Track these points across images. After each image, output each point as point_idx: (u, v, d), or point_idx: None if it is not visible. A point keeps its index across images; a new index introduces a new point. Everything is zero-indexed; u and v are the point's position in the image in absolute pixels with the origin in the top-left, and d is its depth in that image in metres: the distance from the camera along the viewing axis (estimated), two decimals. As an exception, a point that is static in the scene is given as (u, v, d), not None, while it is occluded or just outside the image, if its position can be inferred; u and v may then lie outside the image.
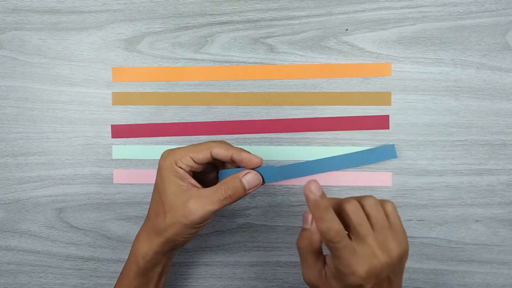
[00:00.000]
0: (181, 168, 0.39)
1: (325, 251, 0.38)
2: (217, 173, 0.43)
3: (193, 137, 0.51)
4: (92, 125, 0.52)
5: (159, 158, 0.41)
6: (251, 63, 0.51)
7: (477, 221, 0.51)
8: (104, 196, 0.52)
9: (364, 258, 0.34)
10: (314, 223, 0.36)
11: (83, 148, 0.52)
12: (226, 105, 0.51)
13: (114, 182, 0.52)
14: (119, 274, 0.52)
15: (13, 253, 0.52)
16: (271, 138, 0.51)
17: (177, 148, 0.40)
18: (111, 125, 0.52)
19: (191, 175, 0.40)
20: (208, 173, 0.43)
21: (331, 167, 0.50)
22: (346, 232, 0.35)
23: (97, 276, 0.52)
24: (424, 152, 0.51)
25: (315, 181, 0.34)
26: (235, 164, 0.40)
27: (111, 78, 0.52)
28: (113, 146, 0.51)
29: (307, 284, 0.37)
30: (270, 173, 0.40)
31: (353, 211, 0.35)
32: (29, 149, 0.52)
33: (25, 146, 0.52)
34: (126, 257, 0.52)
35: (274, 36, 0.51)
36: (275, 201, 0.51)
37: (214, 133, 0.51)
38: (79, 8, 0.52)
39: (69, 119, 0.52)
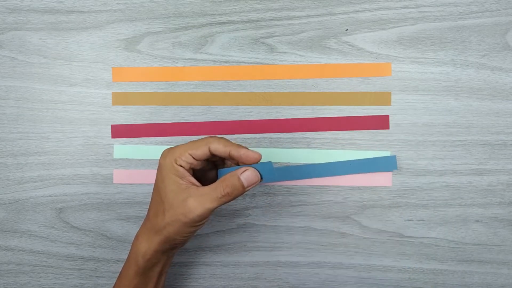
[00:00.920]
0: (181, 166, 0.39)
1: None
2: (217, 172, 0.43)
3: (193, 137, 0.51)
4: (92, 125, 0.52)
5: (159, 158, 0.41)
6: (251, 63, 0.51)
7: (477, 221, 0.51)
8: (104, 196, 0.52)
9: None
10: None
11: (83, 148, 0.52)
12: (226, 105, 0.51)
13: (114, 182, 0.52)
14: (118, 274, 0.52)
15: (13, 253, 0.52)
16: (271, 138, 0.51)
17: (176, 146, 0.40)
18: (111, 125, 0.52)
19: (191, 173, 0.40)
20: (208, 171, 0.43)
21: (330, 172, 0.50)
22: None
23: (97, 276, 0.52)
24: (424, 152, 0.51)
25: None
26: (234, 161, 0.40)
27: (111, 78, 0.52)
28: (114, 146, 0.51)
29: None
30: (268, 169, 0.40)
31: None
32: (29, 149, 0.52)
33: (25, 146, 0.52)
34: (126, 257, 0.52)
35: (274, 36, 0.51)
36: (275, 201, 0.51)
37: (214, 133, 0.51)
38: (79, 8, 0.52)
39: (69, 119, 0.52)
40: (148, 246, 0.40)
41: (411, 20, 0.51)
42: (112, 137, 0.52)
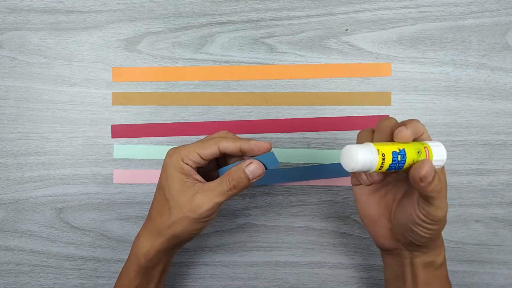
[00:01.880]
0: (187, 164, 0.39)
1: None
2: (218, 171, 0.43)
3: (193, 137, 0.51)
4: (92, 125, 0.52)
5: (159, 158, 0.41)
6: (251, 63, 0.51)
7: (477, 221, 0.51)
8: (104, 196, 0.52)
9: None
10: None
11: (83, 148, 0.52)
12: (226, 105, 0.51)
13: (114, 182, 0.52)
14: (118, 274, 0.52)
15: (13, 253, 0.52)
16: (271, 138, 0.51)
17: (183, 145, 0.40)
18: (111, 125, 0.52)
19: (196, 171, 0.40)
20: (211, 171, 0.43)
21: (322, 175, 0.51)
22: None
23: (97, 276, 0.52)
24: (424, 152, 0.51)
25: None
26: (244, 155, 0.40)
27: (111, 78, 0.52)
28: (114, 146, 0.51)
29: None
30: (271, 160, 0.40)
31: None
32: (29, 149, 0.52)
33: (25, 146, 0.52)
34: (126, 257, 0.52)
35: (274, 36, 0.51)
36: (275, 201, 0.51)
37: (214, 133, 0.51)
38: (79, 8, 0.52)
39: (69, 119, 0.52)
40: (151, 245, 0.40)
41: (411, 20, 0.51)
42: (112, 137, 0.52)
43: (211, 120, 0.51)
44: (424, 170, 0.32)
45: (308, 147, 0.51)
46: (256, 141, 0.39)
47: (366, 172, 0.36)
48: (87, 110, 0.52)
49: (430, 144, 0.35)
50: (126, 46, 0.51)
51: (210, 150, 0.39)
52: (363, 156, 0.32)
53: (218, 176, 0.44)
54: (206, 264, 0.52)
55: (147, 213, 0.51)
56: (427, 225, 0.36)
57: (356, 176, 0.39)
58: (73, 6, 0.52)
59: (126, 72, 0.51)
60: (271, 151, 0.40)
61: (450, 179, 0.51)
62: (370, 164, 0.33)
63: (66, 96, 0.52)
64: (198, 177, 0.40)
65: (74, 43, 0.52)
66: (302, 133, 0.51)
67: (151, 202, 0.42)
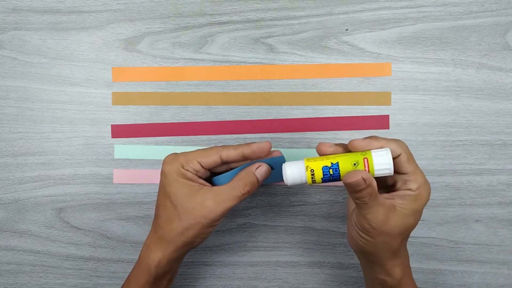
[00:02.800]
0: (187, 171, 0.39)
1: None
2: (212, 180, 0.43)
3: (193, 137, 0.51)
4: (92, 125, 0.52)
5: (159, 158, 0.41)
6: (251, 63, 0.51)
7: (477, 221, 0.51)
8: (104, 196, 0.52)
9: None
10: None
11: (83, 148, 0.52)
12: (226, 105, 0.51)
13: (114, 182, 0.52)
14: (118, 273, 0.52)
15: (13, 253, 0.52)
16: (271, 138, 0.51)
17: (182, 153, 0.40)
18: (111, 125, 0.52)
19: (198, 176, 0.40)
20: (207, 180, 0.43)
21: None
22: None
23: (97, 276, 0.52)
24: (424, 152, 0.51)
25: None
26: (247, 160, 0.41)
27: (111, 78, 0.52)
28: (115, 146, 0.51)
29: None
30: (278, 161, 0.41)
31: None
32: (29, 149, 0.52)
33: (25, 146, 0.52)
34: (126, 257, 0.52)
35: (274, 36, 0.51)
36: (275, 201, 0.51)
37: (214, 133, 0.51)
38: (79, 8, 0.52)
39: (69, 119, 0.52)
40: (162, 255, 0.40)
41: (411, 20, 0.51)
42: (112, 137, 0.52)
43: (211, 120, 0.51)
44: (350, 179, 0.35)
45: (308, 147, 0.51)
46: (256, 144, 0.40)
47: (303, 184, 0.39)
48: (87, 110, 0.52)
49: (373, 153, 0.36)
50: (126, 46, 0.51)
51: (212, 158, 0.39)
52: (291, 172, 0.38)
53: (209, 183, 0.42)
54: (206, 264, 0.52)
55: (147, 213, 0.52)
56: (360, 232, 0.38)
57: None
58: (73, 6, 0.52)
59: (126, 72, 0.51)
60: (282, 155, 0.41)
61: (450, 179, 0.51)
62: (300, 178, 0.38)
63: (66, 96, 0.52)
64: (202, 180, 0.40)
65: (74, 43, 0.52)
66: (302, 133, 0.51)
67: (154, 211, 0.41)
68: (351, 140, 0.37)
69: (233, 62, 0.51)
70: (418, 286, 0.51)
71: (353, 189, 0.36)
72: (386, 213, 0.37)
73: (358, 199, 0.36)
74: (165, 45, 0.51)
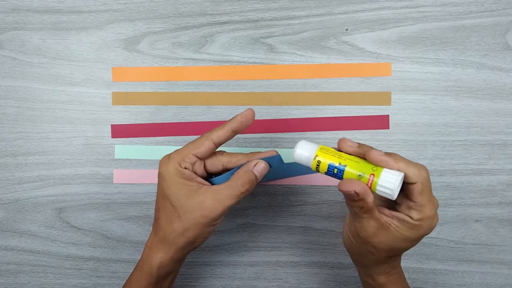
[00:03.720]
0: (186, 168, 0.39)
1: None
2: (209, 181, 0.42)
3: (193, 137, 0.51)
4: (92, 125, 0.52)
5: (160, 158, 0.41)
6: (251, 63, 0.51)
7: (477, 221, 0.51)
8: (104, 196, 0.52)
9: (434, 203, 0.37)
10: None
11: (83, 148, 0.52)
12: (226, 105, 0.51)
13: (114, 182, 0.52)
14: (118, 273, 0.52)
15: (13, 253, 0.52)
16: (271, 138, 0.51)
17: (174, 151, 0.40)
18: (111, 125, 0.52)
19: (196, 175, 0.40)
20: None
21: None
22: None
23: (97, 276, 0.52)
24: (424, 152, 0.51)
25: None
26: (237, 133, 0.40)
27: (111, 78, 0.52)
28: (116, 146, 0.51)
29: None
30: (276, 160, 0.41)
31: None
32: (29, 149, 0.52)
33: (25, 146, 0.52)
34: (126, 257, 0.52)
35: (274, 36, 0.51)
36: (275, 201, 0.51)
37: (214, 133, 0.51)
38: (79, 8, 0.52)
39: (69, 119, 0.52)
40: (165, 256, 0.40)
41: (411, 20, 0.51)
42: (112, 137, 0.52)
43: (211, 120, 0.51)
44: (343, 187, 0.35)
45: (308, 147, 0.51)
46: (240, 114, 0.40)
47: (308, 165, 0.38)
48: (87, 110, 0.52)
49: (384, 172, 0.34)
50: (126, 46, 0.51)
51: (204, 146, 0.39)
52: (300, 153, 0.37)
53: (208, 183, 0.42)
54: (206, 264, 0.52)
55: (147, 213, 0.52)
56: (348, 233, 0.39)
57: None
58: (73, 6, 0.52)
59: (126, 72, 0.51)
60: (278, 154, 0.41)
61: (450, 179, 0.51)
62: (306, 161, 0.38)
63: (66, 96, 0.52)
64: (200, 179, 0.40)
65: (74, 43, 0.52)
66: (302, 133, 0.51)
67: (154, 214, 0.41)
68: (371, 149, 0.35)
69: (233, 62, 0.51)
70: (418, 286, 0.51)
71: (345, 197, 0.36)
72: (378, 227, 0.36)
73: (350, 207, 0.36)
74: (165, 45, 0.51)
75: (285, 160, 0.51)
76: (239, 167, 0.40)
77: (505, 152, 0.51)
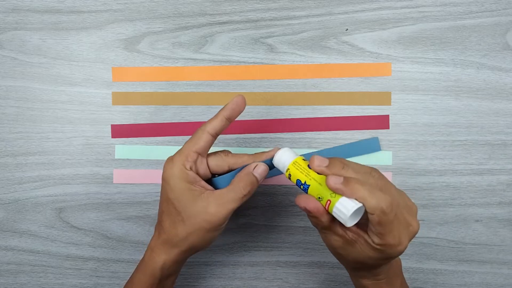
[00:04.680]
0: (190, 169, 0.39)
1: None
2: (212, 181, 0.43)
3: (193, 137, 0.51)
4: (92, 125, 0.52)
5: (160, 158, 0.41)
6: (251, 63, 0.51)
7: (477, 221, 0.51)
8: (104, 196, 0.52)
9: (405, 229, 0.35)
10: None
11: (83, 148, 0.52)
12: (226, 105, 0.51)
13: (114, 182, 0.52)
14: (118, 273, 0.52)
15: (13, 253, 0.52)
16: (271, 138, 0.51)
17: (176, 153, 0.40)
18: (111, 125, 0.52)
19: (200, 178, 0.40)
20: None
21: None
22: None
23: (97, 276, 0.52)
24: (424, 152, 0.51)
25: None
26: (231, 120, 0.40)
27: (111, 78, 0.52)
28: (116, 146, 0.51)
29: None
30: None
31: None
32: (29, 149, 0.52)
33: (25, 146, 0.52)
34: (126, 257, 0.52)
35: (274, 36, 0.51)
36: (275, 201, 0.51)
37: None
38: (79, 8, 0.52)
39: (69, 119, 0.52)
40: (167, 257, 0.40)
41: (411, 20, 0.51)
42: (112, 137, 0.52)
43: (211, 120, 0.51)
44: (297, 202, 0.36)
45: (308, 147, 0.51)
46: (230, 102, 0.40)
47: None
48: (87, 110, 0.52)
49: (341, 199, 0.34)
50: (126, 46, 0.51)
51: (203, 140, 0.39)
52: (277, 159, 0.40)
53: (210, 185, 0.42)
54: (206, 263, 0.52)
55: (147, 213, 0.52)
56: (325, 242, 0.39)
57: None
58: (73, 6, 0.52)
59: (126, 72, 0.51)
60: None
61: (450, 179, 0.51)
62: (282, 168, 0.40)
63: (66, 96, 0.52)
64: (203, 183, 0.40)
65: (74, 43, 0.52)
66: (302, 133, 0.51)
67: (158, 215, 0.41)
68: (330, 176, 0.34)
69: (233, 62, 0.51)
70: (418, 286, 0.51)
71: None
72: (343, 242, 0.36)
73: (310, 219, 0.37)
74: (165, 45, 0.51)
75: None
76: (241, 168, 0.40)
77: (505, 152, 0.51)
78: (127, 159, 0.52)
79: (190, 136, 0.40)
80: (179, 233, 0.39)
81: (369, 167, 0.36)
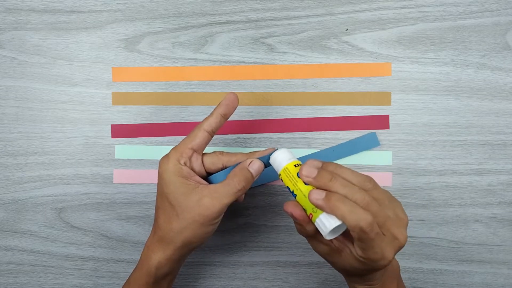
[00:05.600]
0: (185, 165, 0.39)
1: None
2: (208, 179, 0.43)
3: (193, 137, 0.51)
4: (92, 125, 0.52)
5: (160, 158, 0.41)
6: (251, 63, 0.51)
7: (477, 221, 0.51)
8: (104, 196, 0.52)
9: (390, 243, 0.34)
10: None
11: (83, 148, 0.52)
12: (226, 105, 0.51)
13: (114, 182, 0.52)
14: (118, 273, 0.52)
15: (13, 253, 0.52)
16: (271, 138, 0.51)
17: (172, 150, 0.40)
18: (111, 125, 0.52)
19: (194, 173, 0.40)
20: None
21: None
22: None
23: (97, 276, 0.52)
24: (424, 152, 0.51)
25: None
26: (227, 117, 0.41)
27: (111, 78, 0.52)
28: (116, 146, 0.51)
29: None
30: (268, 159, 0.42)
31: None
32: (29, 149, 0.52)
33: (25, 146, 0.52)
34: (126, 257, 0.52)
35: (274, 36, 0.51)
36: (275, 201, 0.51)
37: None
38: (79, 8, 0.52)
39: (69, 119, 0.52)
40: (163, 255, 0.40)
41: (411, 20, 0.51)
42: (112, 137, 0.52)
43: (211, 120, 0.51)
44: (285, 207, 0.37)
45: (308, 147, 0.51)
46: (224, 99, 0.40)
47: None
48: (87, 110, 0.52)
49: (321, 216, 0.34)
50: (126, 46, 0.51)
51: (199, 137, 0.40)
52: (273, 159, 0.40)
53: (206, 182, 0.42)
54: (206, 263, 0.52)
55: (147, 213, 0.52)
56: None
57: None
58: (73, 6, 0.52)
59: (126, 72, 0.51)
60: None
61: (450, 179, 0.51)
62: (276, 169, 0.40)
63: (66, 96, 0.52)
64: (198, 178, 0.40)
65: (74, 43, 0.52)
66: (302, 133, 0.51)
67: (154, 213, 0.41)
68: (312, 190, 0.35)
69: (233, 62, 0.51)
70: (418, 286, 0.51)
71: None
72: (330, 250, 0.37)
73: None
74: (165, 45, 0.51)
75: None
76: (236, 165, 0.40)
77: (505, 152, 0.51)
78: (127, 159, 0.52)
79: (185, 137, 0.41)
80: (174, 228, 0.39)
81: (365, 176, 0.36)
